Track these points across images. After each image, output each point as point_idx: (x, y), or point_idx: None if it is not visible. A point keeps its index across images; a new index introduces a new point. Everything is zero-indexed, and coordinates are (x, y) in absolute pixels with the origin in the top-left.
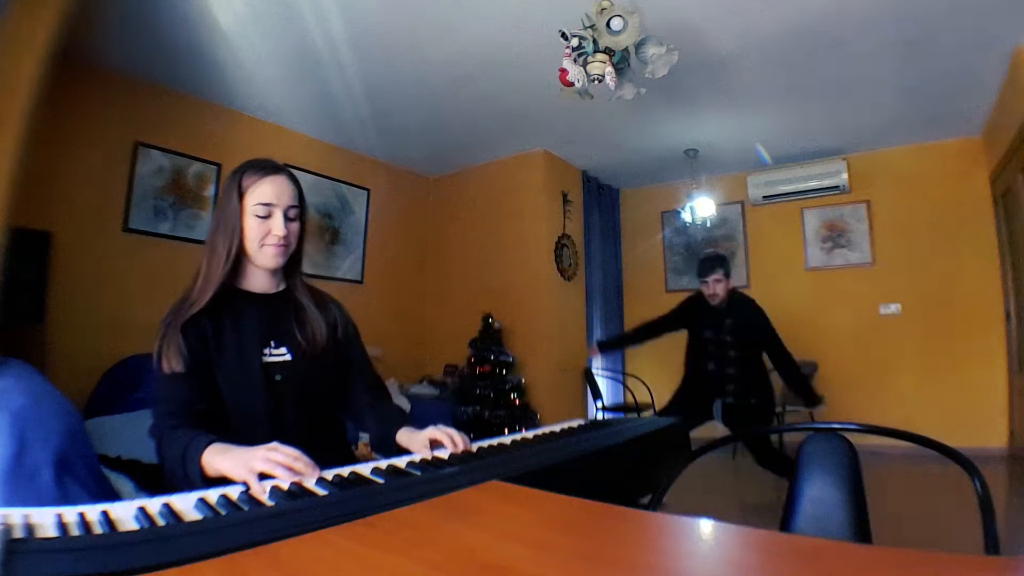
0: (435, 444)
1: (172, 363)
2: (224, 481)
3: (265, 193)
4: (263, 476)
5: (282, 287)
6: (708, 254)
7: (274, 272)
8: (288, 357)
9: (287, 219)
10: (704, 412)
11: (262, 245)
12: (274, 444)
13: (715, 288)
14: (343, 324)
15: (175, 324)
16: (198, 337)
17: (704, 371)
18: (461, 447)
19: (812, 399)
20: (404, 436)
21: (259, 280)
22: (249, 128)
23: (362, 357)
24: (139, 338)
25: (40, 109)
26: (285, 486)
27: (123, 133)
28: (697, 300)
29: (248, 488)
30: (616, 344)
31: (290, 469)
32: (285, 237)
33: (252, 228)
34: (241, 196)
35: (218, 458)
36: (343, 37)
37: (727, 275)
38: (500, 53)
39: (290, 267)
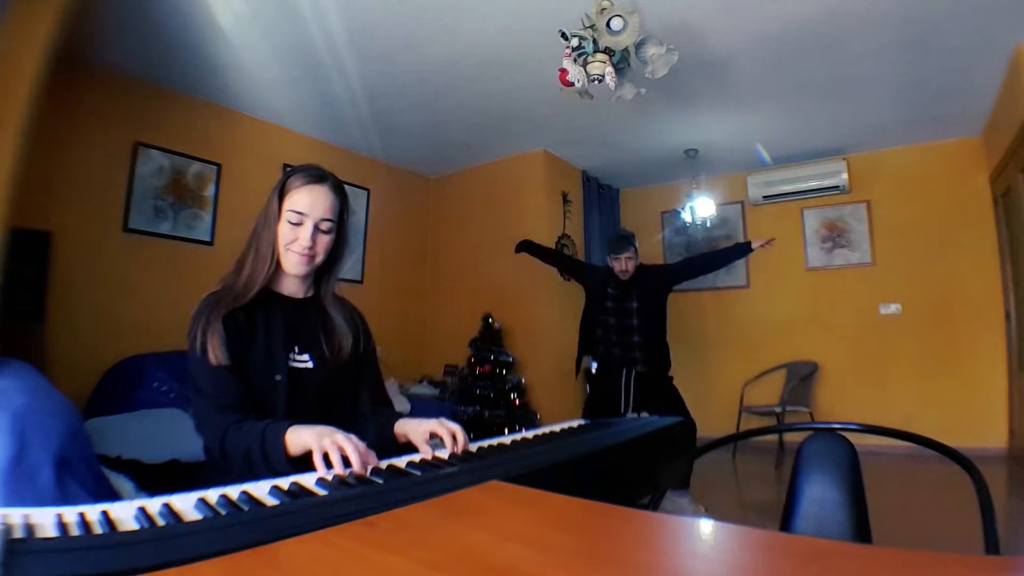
0: (434, 437)
1: (218, 355)
2: (303, 463)
3: (300, 201)
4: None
5: (310, 293)
6: (618, 232)
7: (302, 278)
8: (310, 365)
9: (318, 231)
10: (614, 390)
11: (287, 250)
12: (351, 435)
13: (626, 265)
14: (364, 338)
15: (216, 315)
16: (235, 331)
17: (608, 344)
18: (461, 446)
19: (741, 248)
20: (401, 425)
21: (288, 284)
22: (249, 128)
23: (375, 372)
24: (139, 338)
25: (40, 109)
26: (340, 474)
27: (123, 133)
28: (609, 274)
29: (309, 470)
30: (537, 250)
31: (346, 459)
32: (310, 248)
33: (283, 232)
34: (282, 199)
35: (304, 431)
36: (343, 37)
37: (636, 252)
38: (500, 53)
39: (319, 275)
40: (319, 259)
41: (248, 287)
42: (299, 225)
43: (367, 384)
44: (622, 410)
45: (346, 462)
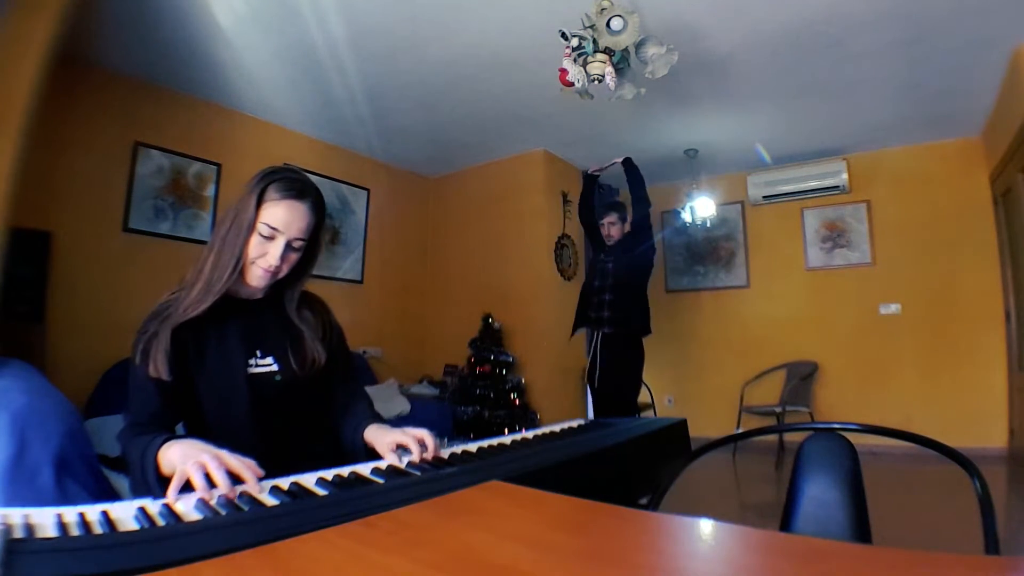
0: (401, 447)
1: (159, 368)
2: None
3: (276, 217)
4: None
5: (267, 292)
6: (609, 199)
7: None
8: (275, 367)
9: (289, 248)
10: (591, 354)
11: (253, 263)
12: (222, 452)
13: (609, 230)
14: (329, 331)
15: (167, 327)
16: (182, 349)
17: (585, 306)
18: (431, 452)
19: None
20: (371, 432)
21: (245, 288)
22: (249, 128)
23: (345, 363)
24: None
25: (40, 109)
26: (211, 497)
27: (123, 133)
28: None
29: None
30: (589, 192)
31: (211, 480)
32: (277, 267)
33: (253, 244)
34: (259, 206)
35: (173, 449)
36: (343, 37)
37: (623, 220)
38: (500, 53)
39: (280, 282)
40: (282, 275)
41: (204, 299)
42: (270, 240)
43: (338, 381)
44: (594, 374)
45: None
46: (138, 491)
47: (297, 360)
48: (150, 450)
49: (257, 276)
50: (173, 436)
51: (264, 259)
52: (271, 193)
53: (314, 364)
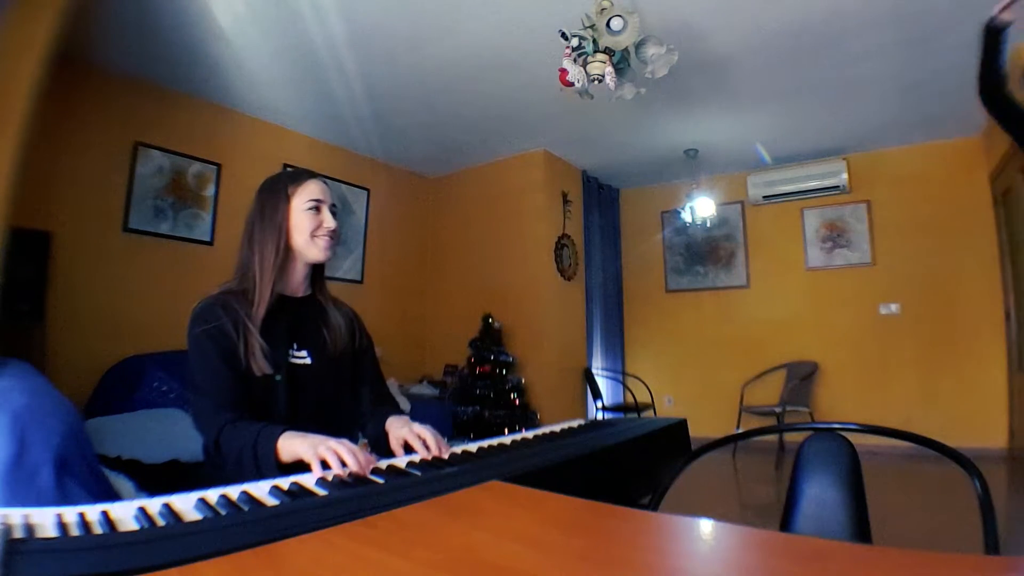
0: (408, 449)
1: (262, 366)
2: (292, 469)
3: (314, 191)
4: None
5: (309, 292)
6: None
7: (305, 275)
8: (308, 361)
9: (333, 214)
10: None
11: (313, 237)
12: (344, 440)
13: None
14: (360, 334)
15: (252, 331)
16: (237, 335)
17: None
18: (434, 451)
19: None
20: (391, 422)
21: (291, 284)
22: (249, 128)
23: (374, 370)
24: (139, 338)
25: (40, 109)
26: (340, 475)
27: (123, 133)
28: None
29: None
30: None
31: (344, 463)
32: (335, 230)
33: (303, 222)
34: (288, 198)
35: (296, 441)
36: (343, 37)
37: None
38: (500, 53)
39: (317, 272)
40: (338, 242)
41: (264, 291)
42: (318, 211)
43: (367, 381)
44: None
45: (344, 465)
46: (243, 475)
47: (329, 343)
48: (267, 439)
49: (322, 247)
50: (287, 428)
51: (322, 228)
52: (294, 183)
53: (336, 347)
